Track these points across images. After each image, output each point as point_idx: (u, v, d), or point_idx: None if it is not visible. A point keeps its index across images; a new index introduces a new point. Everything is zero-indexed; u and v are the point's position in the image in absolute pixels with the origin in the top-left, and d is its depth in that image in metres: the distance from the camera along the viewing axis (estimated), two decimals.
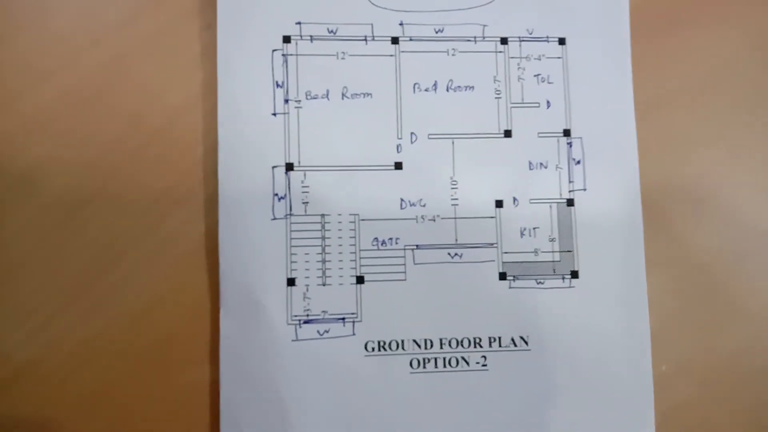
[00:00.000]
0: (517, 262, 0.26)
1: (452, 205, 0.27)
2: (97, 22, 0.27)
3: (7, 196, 0.26)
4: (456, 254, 0.26)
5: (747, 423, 0.27)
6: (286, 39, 0.26)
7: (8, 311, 0.25)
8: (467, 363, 0.26)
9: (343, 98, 0.26)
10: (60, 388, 0.25)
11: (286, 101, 0.26)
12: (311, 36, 0.27)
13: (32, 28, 0.27)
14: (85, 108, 0.26)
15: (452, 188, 0.27)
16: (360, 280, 0.26)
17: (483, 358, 0.26)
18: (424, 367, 0.26)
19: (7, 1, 0.26)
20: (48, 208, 0.26)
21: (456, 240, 0.26)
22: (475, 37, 0.27)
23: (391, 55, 0.27)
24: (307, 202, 0.26)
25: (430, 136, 0.27)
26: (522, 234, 0.27)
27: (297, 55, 0.26)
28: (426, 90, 0.27)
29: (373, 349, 0.26)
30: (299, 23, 0.27)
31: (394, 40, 0.27)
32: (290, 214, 0.26)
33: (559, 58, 0.27)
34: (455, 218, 0.26)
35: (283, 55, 0.26)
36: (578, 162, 0.27)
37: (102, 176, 0.26)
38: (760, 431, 0.27)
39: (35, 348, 0.25)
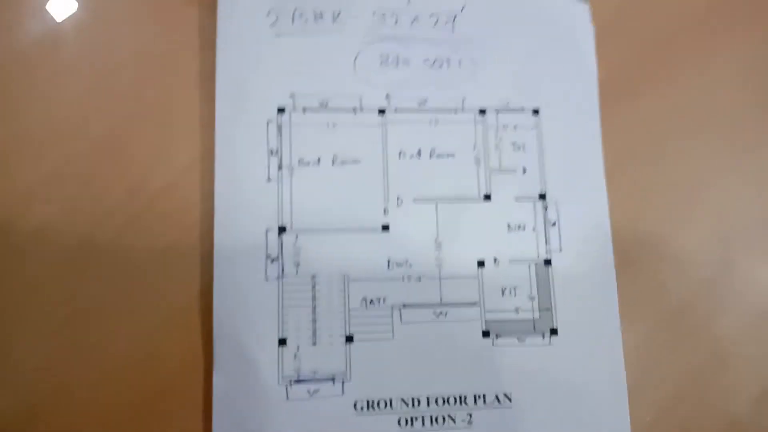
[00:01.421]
0: (498, 320, 0.28)
1: (436, 265, 0.28)
2: (103, 92, 0.28)
3: (14, 254, 0.26)
4: (441, 313, 0.27)
5: None
6: (281, 110, 0.28)
7: (4, 364, 0.26)
8: (453, 421, 0.27)
9: (333, 165, 0.28)
10: None
11: (280, 168, 0.28)
12: (304, 107, 0.28)
13: (45, 97, 0.28)
14: (90, 172, 0.28)
15: (436, 249, 0.28)
16: (349, 339, 0.27)
17: (468, 416, 0.27)
18: (412, 425, 0.26)
19: (17, 73, 0.28)
20: (52, 265, 0.27)
21: (441, 299, 0.28)
22: (455, 109, 0.29)
23: (378, 125, 0.29)
24: (299, 264, 0.27)
25: (415, 200, 0.28)
26: (503, 293, 0.28)
27: (291, 124, 0.28)
28: (411, 157, 0.29)
29: (362, 408, 0.26)
30: (293, 95, 0.28)
31: (381, 112, 0.29)
32: (282, 275, 0.27)
33: (533, 128, 0.30)
34: (440, 278, 0.28)
35: (277, 125, 0.28)
36: (554, 224, 0.29)
37: (105, 236, 0.27)
38: None
39: (31, 398, 0.25)
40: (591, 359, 0.28)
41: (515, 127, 0.30)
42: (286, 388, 0.26)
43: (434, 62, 0.30)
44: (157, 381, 0.26)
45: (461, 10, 0.30)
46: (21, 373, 0.26)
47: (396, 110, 0.29)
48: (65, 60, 0.29)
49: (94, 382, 0.26)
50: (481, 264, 0.28)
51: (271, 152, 0.28)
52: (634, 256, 0.29)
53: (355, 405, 0.26)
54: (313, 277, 0.27)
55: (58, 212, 0.27)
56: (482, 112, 0.30)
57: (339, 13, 0.29)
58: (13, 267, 0.26)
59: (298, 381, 0.26)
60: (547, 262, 0.28)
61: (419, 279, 0.28)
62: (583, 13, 0.31)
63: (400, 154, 0.29)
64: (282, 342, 0.26)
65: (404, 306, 0.27)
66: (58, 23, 0.29)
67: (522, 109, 0.30)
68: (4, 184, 0.27)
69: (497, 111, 0.30)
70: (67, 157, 0.28)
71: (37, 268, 0.27)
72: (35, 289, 0.26)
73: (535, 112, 0.30)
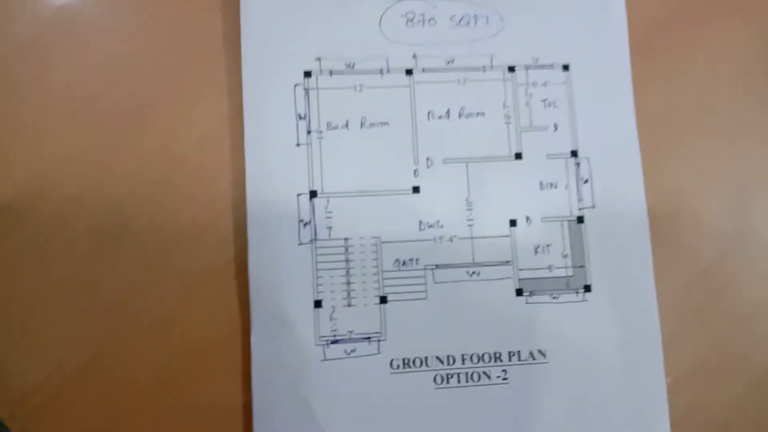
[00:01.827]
0: (532, 278, 0.28)
1: (468, 225, 0.28)
2: (126, 58, 0.28)
3: (42, 231, 0.27)
4: (474, 272, 0.28)
5: (760, 423, 0.28)
6: (307, 74, 0.28)
7: (44, 337, 0.26)
8: (489, 377, 0.27)
9: (361, 128, 0.28)
10: (99, 402, 0.26)
11: (309, 132, 0.28)
12: (330, 70, 0.28)
13: (60, 66, 0.28)
14: (115, 143, 0.28)
15: (468, 210, 0.28)
16: (383, 300, 0.27)
17: (504, 372, 0.27)
18: (448, 382, 0.27)
19: (39, 40, 0.28)
20: (82, 240, 0.27)
21: (473, 259, 0.28)
22: (483, 67, 0.29)
23: (406, 86, 0.28)
24: (331, 227, 0.27)
25: (445, 161, 0.28)
26: (536, 251, 0.28)
27: (318, 88, 0.28)
28: (439, 117, 0.28)
29: (398, 366, 0.27)
30: (319, 59, 0.28)
31: (408, 72, 0.29)
32: (315, 239, 0.27)
33: (563, 83, 0.29)
34: (472, 238, 0.28)
35: (304, 89, 0.28)
36: (586, 181, 0.29)
37: (133, 206, 0.27)
38: None
39: (67, 366, 0.26)
40: (625, 315, 0.28)
41: (545, 83, 0.29)
42: (323, 349, 0.26)
43: (461, 20, 0.29)
44: (194, 345, 0.27)
45: None
46: (57, 340, 0.26)
47: (423, 70, 0.29)
48: (85, 29, 0.28)
49: (133, 347, 0.27)
50: (513, 223, 0.28)
51: (300, 116, 0.28)
52: (667, 213, 0.29)
53: (391, 363, 0.27)
54: (346, 240, 0.27)
55: (88, 181, 0.27)
56: (511, 69, 0.29)
57: None
58: (48, 234, 0.27)
59: (334, 341, 0.26)
60: (580, 219, 0.28)
61: (451, 240, 0.28)
62: None
63: (428, 114, 0.28)
64: (317, 304, 0.27)
65: (437, 266, 0.27)
66: None
67: (552, 66, 0.29)
68: (35, 154, 0.27)
69: (527, 68, 0.29)
70: (95, 126, 0.28)
71: (71, 235, 0.27)
72: (70, 255, 0.27)
73: (565, 67, 0.29)
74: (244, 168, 0.27)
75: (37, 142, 0.27)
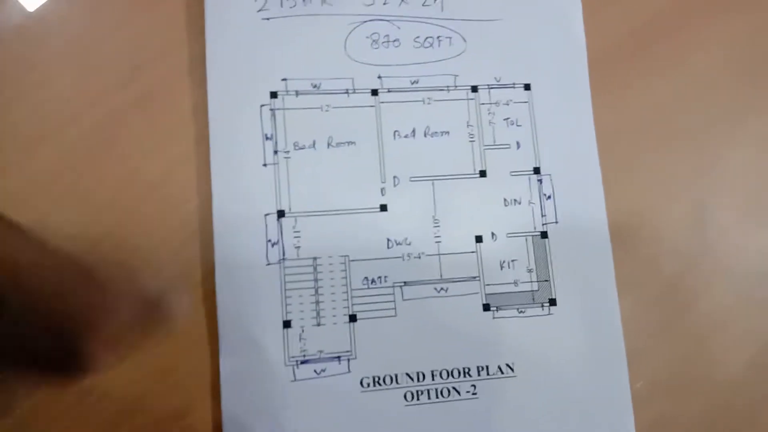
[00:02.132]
0: (499, 293, 0.28)
1: (435, 242, 0.28)
2: (95, 85, 0.28)
3: None
4: (442, 288, 0.28)
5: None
6: (273, 94, 0.28)
7: None
8: (458, 393, 0.27)
9: (328, 147, 0.28)
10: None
11: (276, 152, 0.28)
12: (296, 91, 0.28)
13: (33, 91, 0.28)
14: (84, 166, 0.27)
15: (435, 227, 0.28)
16: (353, 318, 0.27)
17: (473, 387, 0.27)
18: (418, 399, 0.27)
19: (9, 67, 0.28)
20: None
21: (441, 275, 0.28)
22: (447, 87, 0.30)
23: (372, 106, 0.29)
24: (299, 247, 0.27)
25: (412, 179, 0.29)
26: (502, 266, 0.28)
27: (284, 109, 0.28)
28: (405, 136, 0.29)
29: (368, 384, 0.27)
30: (285, 80, 0.28)
31: (374, 92, 0.29)
32: (284, 259, 0.27)
33: (525, 102, 0.30)
34: (439, 254, 0.28)
35: (270, 109, 0.28)
36: (549, 197, 0.29)
37: (102, 227, 0.27)
38: None
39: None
40: (590, 327, 0.28)
41: (507, 102, 0.30)
42: (293, 369, 0.26)
43: (425, 41, 0.30)
44: (164, 368, 0.26)
45: None
46: None
47: (389, 90, 0.29)
48: (48, 61, 0.28)
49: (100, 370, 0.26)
50: (479, 239, 0.29)
51: (266, 137, 0.28)
52: (628, 227, 0.30)
53: (361, 382, 0.27)
54: (315, 259, 0.27)
55: (51, 208, 0.27)
56: (474, 89, 0.30)
57: None
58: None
59: (304, 361, 0.26)
60: (544, 234, 0.29)
61: (419, 256, 0.28)
62: None
63: (395, 133, 0.29)
64: (286, 324, 0.27)
65: (405, 283, 0.28)
66: (40, 15, 0.28)
67: (513, 85, 0.30)
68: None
69: (489, 87, 0.30)
70: (59, 153, 0.27)
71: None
72: None
73: (527, 87, 0.30)
74: (210, 190, 0.27)
75: (12, 160, 0.27)
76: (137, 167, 0.28)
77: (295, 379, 0.26)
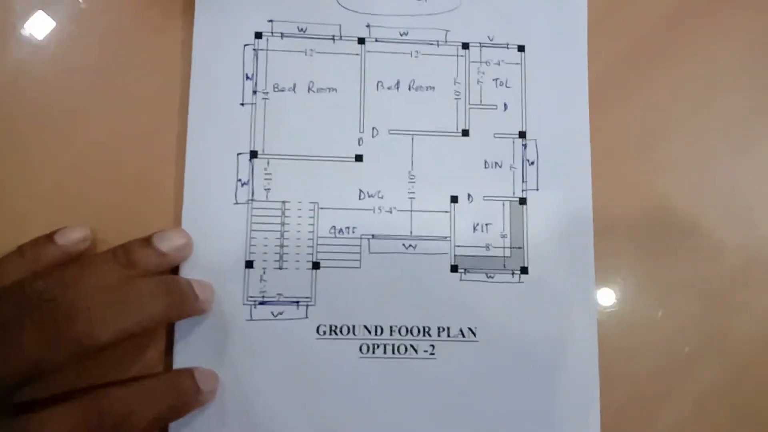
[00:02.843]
0: (468, 255, 0.27)
1: (409, 198, 0.28)
2: (91, 27, 0.28)
3: None
4: (410, 245, 0.27)
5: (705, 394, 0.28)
6: (258, 35, 0.28)
7: None
8: (416, 351, 0.27)
9: (309, 92, 0.28)
10: None
11: (254, 92, 0.28)
12: (282, 33, 0.28)
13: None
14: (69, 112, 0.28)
15: (410, 182, 0.28)
16: (316, 265, 0.27)
17: (431, 347, 0.27)
18: (374, 352, 0.26)
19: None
20: None
21: (411, 232, 0.27)
22: (437, 41, 0.29)
23: (357, 54, 0.28)
24: (269, 189, 0.27)
25: (391, 132, 0.28)
26: (474, 229, 0.28)
27: (267, 50, 0.28)
28: (389, 88, 0.28)
29: (324, 332, 0.26)
30: (271, 21, 0.28)
31: (361, 41, 0.28)
32: (252, 200, 0.27)
33: (517, 64, 0.29)
34: (411, 211, 0.28)
35: (254, 49, 0.28)
36: (532, 163, 0.28)
37: (88, 156, 0.27)
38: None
39: None
40: (561, 301, 0.27)
41: (499, 62, 0.29)
42: (250, 309, 0.26)
43: None
44: None
45: None
46: None
47: (376, 40, 0.28)
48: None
49: None
50: (454, 199, 0.28)
51: (247, 76, 0.28)
52: (613, 201, 0.29)
53: (317, 329, 0.26)
54: (283, 203, 0.27)
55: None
56: (465, 46, 0.29)
57: None
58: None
59: (262, 302, 0.26)
60: (523, 201, 0.28)
61: (390, 211, 0.27)
62: None
63: (378, 84, 0.28)
64: (249, 264, 0.26)
65: (373, 236, 0.27)
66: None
67: (507, 45, 0.29)
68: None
69: (481, 45, 0.29)
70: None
71: None
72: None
73: (521, 48, 0.29)
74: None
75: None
76: (121, 105, 0.28)
77: (251, 319, 0.26)
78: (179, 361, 0.25)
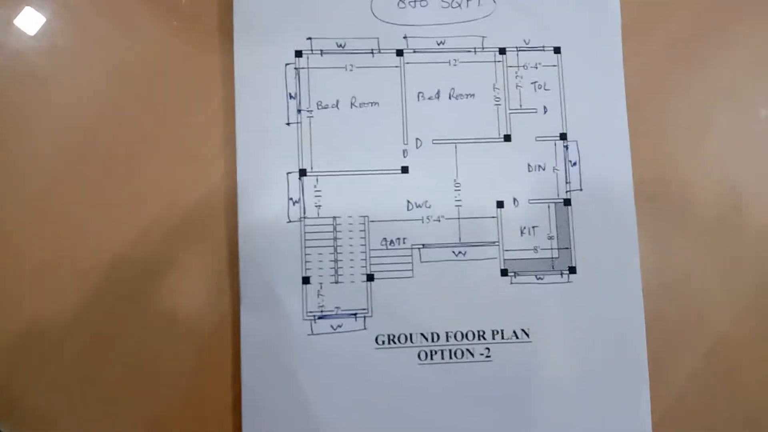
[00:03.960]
0: (517, 259, 0.28)
1: (456, 206, 0.28)
2: (121, 49, 0.29)
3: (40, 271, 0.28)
4: (460, 252, 0.28)
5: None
6: (298, 53, 0.28)
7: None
8: (472, 354, 0.27)
9: (351, 107, 0.28)
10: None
11: (299, 111, 0.28)
12: (321, 50, 0.28)
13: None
14: (114, 133, 0.28)
15: (456, 190, 0.28)
16: (370, 277, 0.28)
17: (487, 350, 0.27)
18: (431, 358, 0.27)
19: (21, 85, 0.29)
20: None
21: (460, 239, 0.28)
22: (474, 48, 0.29)
23: (396, 67, 0.29)
24: (319, 206, 0.28)
25: (434, 142, 0.28)
26: (522, 232, 0.28)
27: (308, 68, 0.28)
28: (429, 98, 0.29)
29: (383, 342, 0.27)
30: (310, 39, 0.28)
31: (399, 53, 0.29)
32: (304, 217, 0.28)
33: (554, 66, 0.29)
34: (459, 218, 0.28)
35: (295, 68, 0.28)
36: (574, 164, 0.29)
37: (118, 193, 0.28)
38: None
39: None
40: (610, 297, 0.28)
41: (536, 66, 0.29)
42: (311, 324, 0.27)
43: (453, 1, 0.29)
44: (188, 324, 0.27)
45: None
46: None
47: (414, 51, 0.29)
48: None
49: (126, 330, 0.27)
50: (500, 204, 0.28)
51: (290, 96, 0.28)
52: (655, 195, 0.29)
53: (376, 339, 0.27)
54: (335, 218, 0.28)
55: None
56: (502, 51, 0.29)
57: None
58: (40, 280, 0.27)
59: (321, 317, 0.27)
60: (567, 201, 0.28)
61: (438, 219, 0.28)
62: None
63: (419, 95, 0.29)
64: (305, 280, 0.27)
65: (424, 246, 0.28)
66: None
67: (543, 48, 0.29)
68: (18, 186, 0.28)
69: (518, 50, 0.29)
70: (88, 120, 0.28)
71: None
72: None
73: (557, 50, 0.29)
74: (235, 150, 0.28)
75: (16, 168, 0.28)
76: (166, 126, 0.28)
77: (312, 333, 0.27)
78: (247, 377, 0.26)
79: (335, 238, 0.28)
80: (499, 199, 0.28)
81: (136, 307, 0.27)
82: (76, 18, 0.29)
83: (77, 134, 0.28)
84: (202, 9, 0.29)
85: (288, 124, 0.28)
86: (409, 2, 0.29)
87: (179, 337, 0.27)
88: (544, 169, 0.29)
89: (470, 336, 0.27)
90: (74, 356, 0.27)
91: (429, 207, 0.28)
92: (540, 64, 0.29)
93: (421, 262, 0.28)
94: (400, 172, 0.28)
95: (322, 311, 0.27)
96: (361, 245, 0.28)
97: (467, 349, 0.27)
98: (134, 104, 0.28)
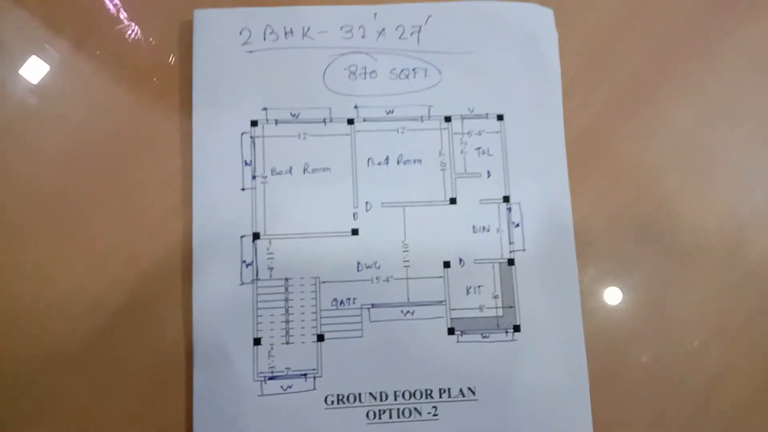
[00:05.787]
0: (463, 317, 0.29)
1: (404, 266, 0.29)
2: (86, 115, 0.30)
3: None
4: (408, 312, 0.29)
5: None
6: (254, 123, 0.30)
7: None
8: (419, 413, 0.28)
9: (304, 173, 0.30)
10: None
11: (254, 177, 0.30)
12: (276, 120, 0.30)
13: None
14: (82, 195, 0.30)
15: (404, 251, 0.29)
16: (320, 338, 0.28)
17: (434, 408, 0.28)
18: (380, 418, 0.28)
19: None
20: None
21: (408, 299, 0.29)
22: (421, 117, 0.31)
23: (348, 134, 0.30)
24: (272, 268, 0.29)
25: (384, 205, 0.30)
26: (468, 292, 0.29)
27: (263, 136, 0.30)
28: (379, 164, 0.30)
29: (332, 402, 0.28)
30: (265, 109, 0.30)
31: (350, 121, 0.30)
32: (257, 279, 0.29)
33: (497, 132, 0.31)
34: (407, 278, 0.29)
35: (251, 137, 0.30)
36: (517, 225, 0.30)
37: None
38: None
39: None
40: (554, 354, 0.29)
41: (480, 132, 0.31)
42: (261, 384, 0.28)
43: (401, 73, 0.31)
44: (142, 381, 0.28)
45: (426, 22, 0.31)
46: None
47: (365, 120, 0.30)
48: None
49: (81, 370, 0.28)
50: (446, 264, 0.29)
51: (246, 163, 0.30)
52: (596, 254, 0.30)
53: (326, 399, 0.28)
54: (287, 280, 0.29)
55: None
56: (448, 119, 0.31)
57: (308, 29, 0.31)
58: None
59: (272, 377, 0.28)
60: (511, 261, 0.30)
61: (387, 280, 0.29)
62: (547, 18, 0.32)
63: (368, 161, 0.30)
64: (257, 341, 0.28)
65: (373, 306, 0.29)
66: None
67: (486, 116, 0.31)
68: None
69: (462, 117, 0.31)
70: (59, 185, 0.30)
71: None
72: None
73: (500, 117, 0.31)
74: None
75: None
76: (128, 192, 0.30)
77: (263, 394, 0.28)
78: None
79: (287, 299, 0.29)
80: (446, 260, 0.30)
81: (89, 366, 0.28)
82: (44, 83, 0.30)
83: (40, 193, 0.29)
84: (164, 80, 0.31)
85: (243, 189, 0.29)
86: (360, 74, 0.31)
87: (132, 395, 0.28)
88: (488, 231, 0.30)
89: (418, 395, 0.28)
90: (25, 417, 0.27)
91: (378, 267, 0.29)
92: (483, 131, 0.31)
93: (371, 321, 0.29)
94: (350, 234, 0.29)
95: (272, 372, 0.28)
96: (312, 305, 0.29)
97: (415, 408, 0.28)
98: (96, 168, 0.30)
